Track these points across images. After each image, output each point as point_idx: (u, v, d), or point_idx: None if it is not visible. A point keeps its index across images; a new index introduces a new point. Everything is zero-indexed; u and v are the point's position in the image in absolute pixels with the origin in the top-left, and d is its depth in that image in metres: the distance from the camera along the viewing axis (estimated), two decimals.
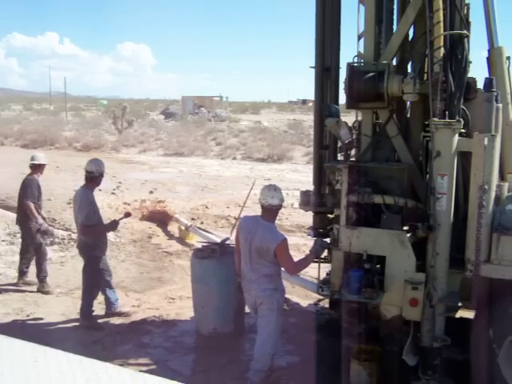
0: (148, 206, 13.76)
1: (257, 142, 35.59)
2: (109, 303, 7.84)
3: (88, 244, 7.50)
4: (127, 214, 8.46)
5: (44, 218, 9.18)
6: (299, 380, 5.93)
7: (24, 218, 8.96)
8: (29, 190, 8.87)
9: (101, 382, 1.47)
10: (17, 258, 9.43)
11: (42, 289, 8.85)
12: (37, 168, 9.04)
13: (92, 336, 7.10)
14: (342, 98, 5.99)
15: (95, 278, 7.61)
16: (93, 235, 7.53)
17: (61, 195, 14.73)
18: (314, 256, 5.90)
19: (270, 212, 5.79)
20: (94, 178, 7.51)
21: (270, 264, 5.69)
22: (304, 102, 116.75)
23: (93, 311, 7.62)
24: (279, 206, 5.81)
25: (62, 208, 13.54)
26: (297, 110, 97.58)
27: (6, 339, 1.67)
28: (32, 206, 8.84)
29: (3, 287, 9.00)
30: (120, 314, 7.83)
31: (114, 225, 7.92)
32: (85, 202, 7.36)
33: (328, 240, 5.82)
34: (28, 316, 7.81)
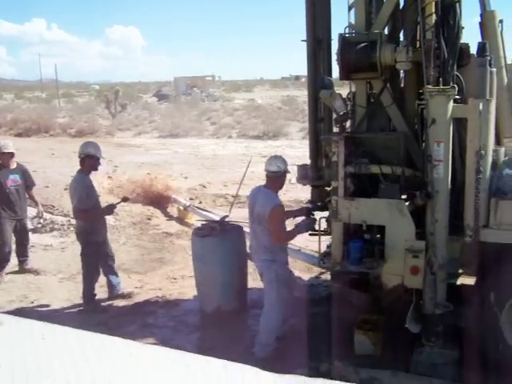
0: (146, 185, 13.61)
1: (251, 119, 35.44)
2: (111, 286, 7.86)
3: (84, 229, 7.48)
4: (125, 199, 8.42)
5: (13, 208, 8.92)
6: (304, 351, 5.97)
7: None
8: None
9: (111, 355, 1.49)
10: None
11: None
12: (4, 157, 8.81)
13: (96, 319, 7.13)
14: (336, 71, 5.97)
15: (93, 263, 7.59)
16: (88, 219, 7.47)
17: (57, 182, 14.67)
18: (298, 233, 6.07)
19: (270, 179, 5.96)
20: (82, 160, 7.38)
21: (268, 233, 5.83)
22: (297, 77, 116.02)
23: (95, 295, 7.65)
24: (278, 173, 5.93)
25: (60, 194, 13.50)
26: (290, 86, 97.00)
27: (14, 319, 1.69)
28: None
29: (6, 275, 9.03)
30: (123, 296, 7.85)
31: (110, 209, 7.82)
32: (78, 185, 7.30)
33: (316, 218, 5.99)
34: (32, 302, 7.85)
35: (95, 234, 7.53)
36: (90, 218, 7.50)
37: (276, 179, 5.96)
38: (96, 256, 7.59)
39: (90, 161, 7.38)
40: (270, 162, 5.95)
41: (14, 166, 8.96)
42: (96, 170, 7.66)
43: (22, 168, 9.16)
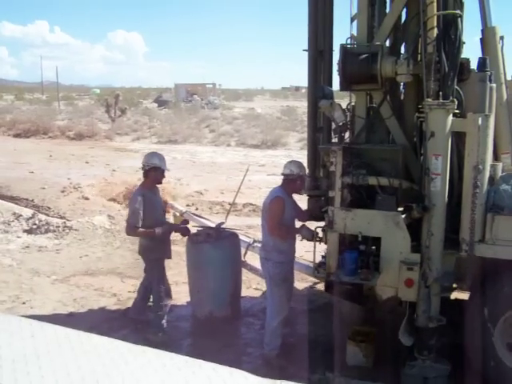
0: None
1: (250, 128, 35.49)
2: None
3: (145, 247, 6.80)
4: (184, 222, 7.65)
5: None
6: (295, 361, 5.95)
7: None
8: None
9: (100, 354, 1.48)
10: (12, 246, 9.41)
11: None
12: None
13: (88, 322, 7.09)
14: (336, 82, 5.98)
15: (160, 276, 6.83)
16: (138, 236, 6.82)
17: (55, 184, 14.70)
18: (296, 233, 6.14)
19: (284, 182, 6.12)
20: (146, 172, 6.70)
21: (267, 228, 6.03)
22: (297, 88, 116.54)
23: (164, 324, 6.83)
24: (289, 176, 6.05)
25: (57, 196, 13.52)
26: (290, 96, 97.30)
27: (3, 316, 1.67)
28: None
29: None
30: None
31: (167, 229, 6.88)
32: (132, 201, 6.66)
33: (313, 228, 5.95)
34: (24, 303, 7.80)
35: (154, 251, 6.75)
36: (140, 235, 6.74)
37: (289, 182, 6.06)
38: (160, 269, 6.83)
39: (154, 173, 6.66)
40: (285, 165, 6.13)
41: None
42: (160, 183, 6.89)
43: None
